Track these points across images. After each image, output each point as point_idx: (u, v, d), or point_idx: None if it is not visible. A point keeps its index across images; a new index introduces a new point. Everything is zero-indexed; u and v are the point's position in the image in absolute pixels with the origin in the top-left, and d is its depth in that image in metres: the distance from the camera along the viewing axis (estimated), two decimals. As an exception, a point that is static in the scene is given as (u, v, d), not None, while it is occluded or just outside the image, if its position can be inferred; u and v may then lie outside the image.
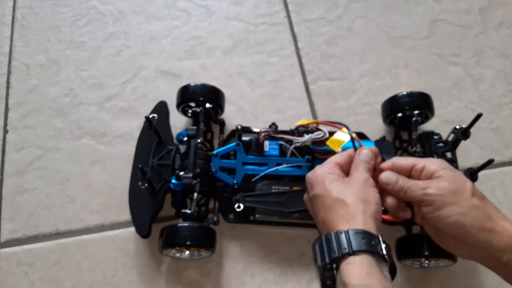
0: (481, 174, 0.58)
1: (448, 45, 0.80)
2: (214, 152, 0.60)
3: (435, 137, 0.63)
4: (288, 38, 0.80)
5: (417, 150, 0.62)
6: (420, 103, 0.64)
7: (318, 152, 0.58)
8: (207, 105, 0.66)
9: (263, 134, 0.60)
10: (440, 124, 0.71)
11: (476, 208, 0.44)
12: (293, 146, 0.58)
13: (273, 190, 0.59)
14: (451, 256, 0.53)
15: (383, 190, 0.49)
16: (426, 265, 0.58)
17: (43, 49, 0.79)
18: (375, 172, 0.49)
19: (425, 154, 0.62)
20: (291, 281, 0.61)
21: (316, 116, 0.73)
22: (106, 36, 0.80)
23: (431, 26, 0.82)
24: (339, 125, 0.55)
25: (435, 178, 0.46)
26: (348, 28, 0.81)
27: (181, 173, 0.58)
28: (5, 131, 0.72)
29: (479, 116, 0.57)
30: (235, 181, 0.59)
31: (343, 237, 0.41)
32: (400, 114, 0.65)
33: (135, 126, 0.70)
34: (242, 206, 0.58)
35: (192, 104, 0.66)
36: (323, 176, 0.47)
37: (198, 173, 0.59)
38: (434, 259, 0.55)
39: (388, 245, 0.42)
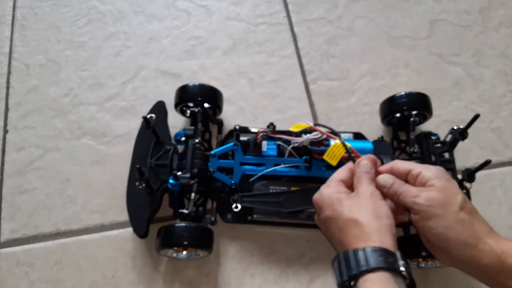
0: (481, 174, 0.58)
1: (448, 45, 0.80)
2: (212, 152, 0.61)
3: (433, 137, 0.63)
4: (288, 38, 0.80)
5: (415, 150, 0.62)
6: (418, 104, 0.64)
7: (315, 153, 0.58)
8: (205, 105, 0.66)
9: (261, 134, 0.60)
10: (440, 124, 0.71)
11: (462, 223, 0.43)
12: (291, 146, 0.58)
13: (271, 190, 0.59)
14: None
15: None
16: (423, 265, 0.57)
17: (43, 49, 0.79)
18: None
19: (422, 154, 0.62)
20: (291, 281, 0.61)
21: (316, 116, 0.73)
22: (106, 36, 0.80)
23: (431, 26, 0.81)
24: (332, 134, 0.56)
25: (428, 187, 0.46)
26: (348, 28, 0.81)
27: (179, 173, 0.58)
28: (5, 131, 0.72)
29: (476, 116, 0.56)
30: (233, 181, 0.60)
31: (360, 254, 0.41)
32: (398, 115, 0.65)
33: (135, 126, 0.70)
34: (239, 206, 0.58)
35: (190, 104, 0.66)
36: (331, 198, 0.47)
37: (196, 173, 0.59)
38: (432, 259, 0.55)
39: (407, 261, 0.42)
